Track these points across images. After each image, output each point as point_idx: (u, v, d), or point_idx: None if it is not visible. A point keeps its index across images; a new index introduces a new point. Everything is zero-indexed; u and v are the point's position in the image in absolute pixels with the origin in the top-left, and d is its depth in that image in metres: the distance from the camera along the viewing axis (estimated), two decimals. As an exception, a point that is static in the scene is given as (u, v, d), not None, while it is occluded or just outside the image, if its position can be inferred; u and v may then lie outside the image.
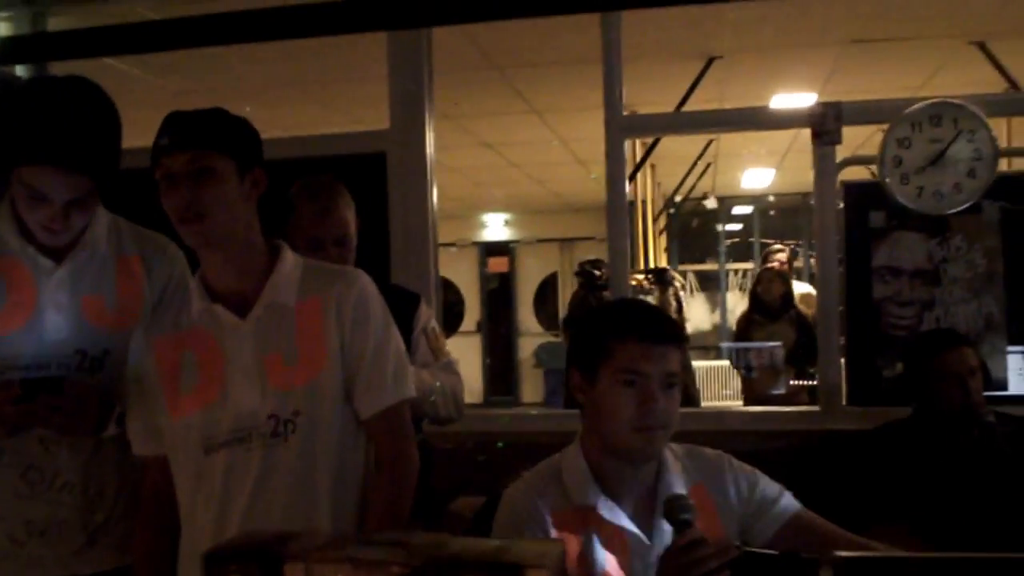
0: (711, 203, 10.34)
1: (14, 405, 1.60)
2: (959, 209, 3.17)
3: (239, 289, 1.69)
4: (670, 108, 5.21)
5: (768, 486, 1.71)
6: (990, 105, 3.20)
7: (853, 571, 1.15)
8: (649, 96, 5.32)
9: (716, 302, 10.79)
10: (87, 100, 1.66)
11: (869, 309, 3.27)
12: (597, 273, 5.10)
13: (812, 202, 3.35)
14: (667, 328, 1.62)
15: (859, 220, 3.30)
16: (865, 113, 3.31)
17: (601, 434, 1.62)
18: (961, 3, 4.51)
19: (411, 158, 3.42)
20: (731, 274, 11.21)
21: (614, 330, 1.61)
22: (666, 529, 1.60)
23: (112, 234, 1.83)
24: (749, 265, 10.98)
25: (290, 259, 1.73)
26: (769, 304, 5.38)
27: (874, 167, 3.72)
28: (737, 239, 11.94)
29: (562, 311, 11.33)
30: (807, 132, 4.36)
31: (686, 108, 5.11)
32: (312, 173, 2.43)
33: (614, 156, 3.36)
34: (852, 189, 3.36)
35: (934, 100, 3.18)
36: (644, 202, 7.63)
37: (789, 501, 1.70)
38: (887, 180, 3.19)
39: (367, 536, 0.93)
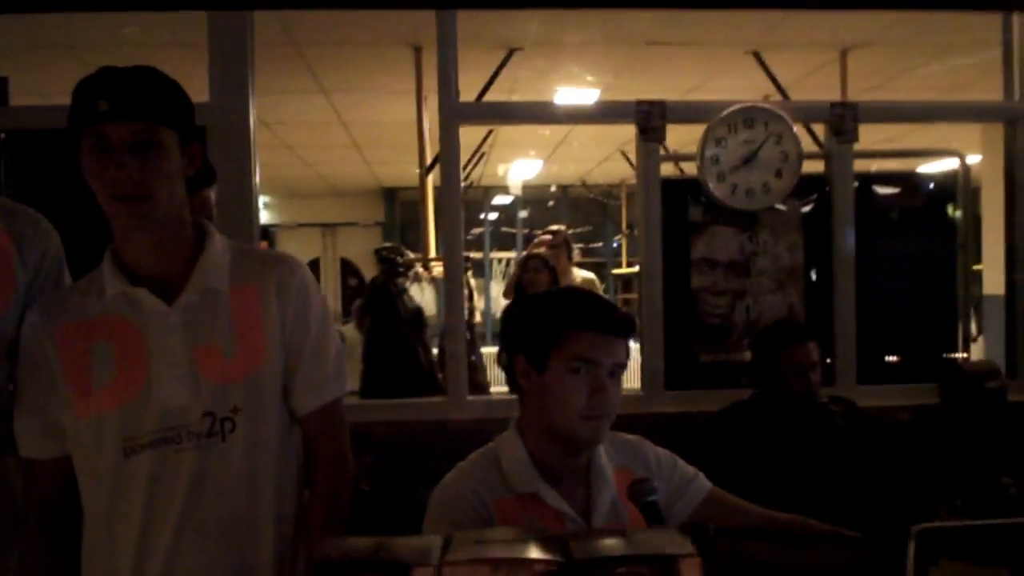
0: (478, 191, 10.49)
1: None
2: (768, 207, 3.44)
3: (163, 272, 1.51)
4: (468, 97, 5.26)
5: (684, 467, 1.77)
6: (797, 111, 3.48)
7: (934, 541, 1.20)
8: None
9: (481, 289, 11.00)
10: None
11: (687, 298, 3.46)
12: (399, 260, 5.04)
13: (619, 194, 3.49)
14: (620, 319, 1.63)
15: (678, 214, 3.48)
16: (686, 112, 3.49)
17: (546, 421, 1.61)
18: (743, 16, 4.86)
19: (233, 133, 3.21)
20: (495, 263, 11.48)
21: (570, 319, 1.59)
22: (602, 512, 1.62)
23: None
24: (512, 254, 11.30)
25: (219, 241, 1.57)
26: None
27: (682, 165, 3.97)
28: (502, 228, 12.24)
29: (331, 299, 11.09)
30: (580, 128, 4.45)
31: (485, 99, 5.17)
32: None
33: (448, 142, 3.32)
34: (670, 185, 3.52)
35: (747, 104, 3.41)
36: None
37: (703, 480, 1.77)
38: (705, 177, 3.39)
39: (494, 535, 0.85)
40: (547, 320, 1.63)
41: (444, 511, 1.58)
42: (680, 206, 3.47)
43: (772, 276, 3.49)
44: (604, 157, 9.54)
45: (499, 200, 11.82)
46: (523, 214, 12.07)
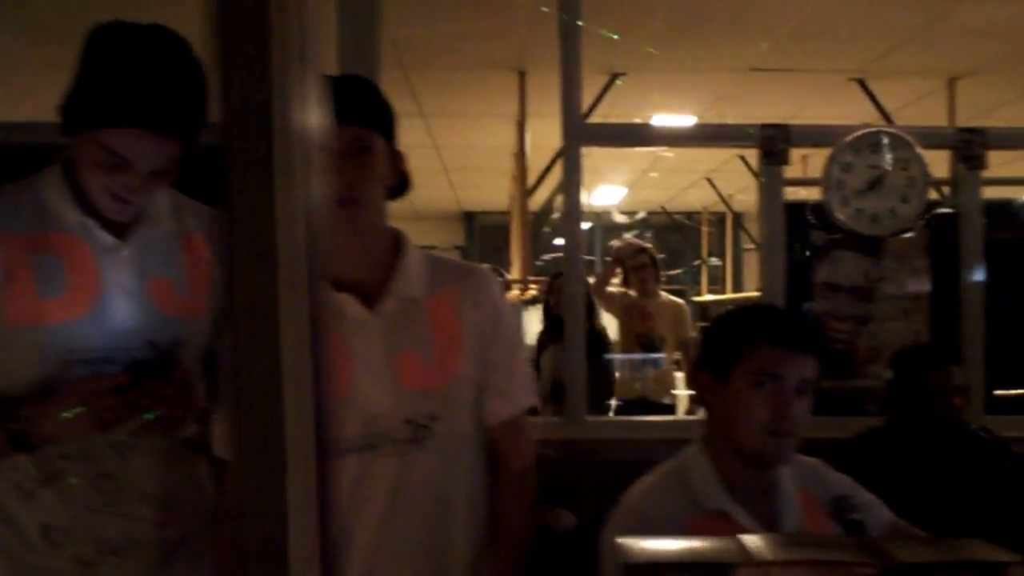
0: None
1: (116, 395, 1.39)
2: (893, 233, 3.39)
3: (364, 279, 1.55)
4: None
5: (864, 492, 1.74)
6: (922, 136, 3.44)
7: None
8: (544, 107, 5.38)
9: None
10: (179, 55, 1.46)
11: (809, 324, 3.43)
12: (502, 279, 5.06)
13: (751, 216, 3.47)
14: (806, 333, 1.63)
15: (800, 238, 3.45)
16: (809, 136, 3.48)
17: (731, 437, 1.60)
18: (851, 44, 4.85)
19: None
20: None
21: (754, 332, 1.59)
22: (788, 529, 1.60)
23: (174, 208, 1.62)
24: (590, 279, 11.26)
25: (414, 249, 1.61)
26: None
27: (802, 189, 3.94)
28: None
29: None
30: (666, 155, 4.36)
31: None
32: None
33: (570, 163, 3.35)
34: (792, 209, 3.50)
35: (874, 129, 3.38)
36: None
37: (885, 507, 1.74)
38: (829, 201, 3.36)
39: (810, 538, 0.86)
40: (732, 333, 1.63)
41: (629, 522, 1.57)
42: (802, 230, 3.45)
43: (897, 303, 3.44)
44: (688, 184, 9.52)
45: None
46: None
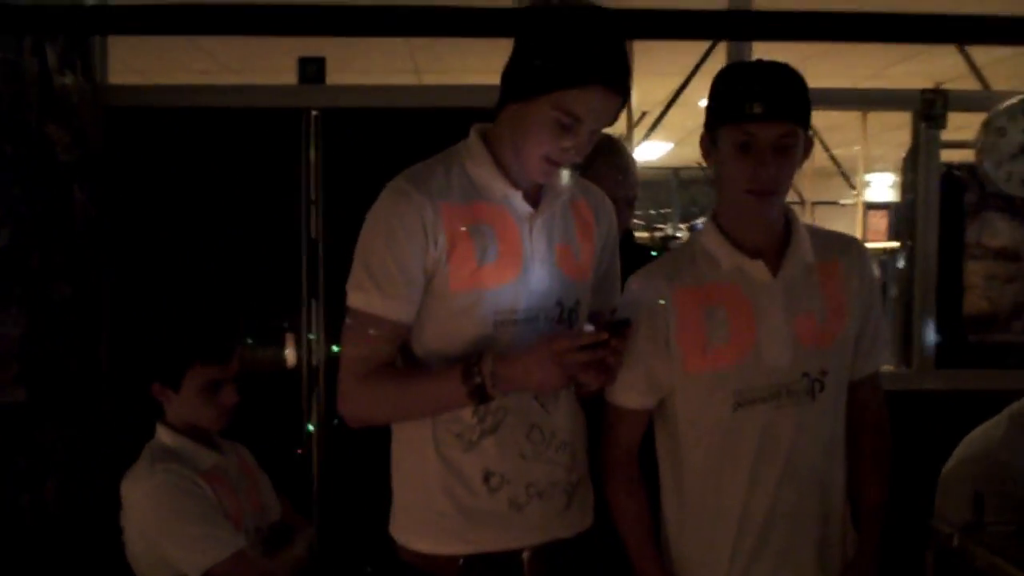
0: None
1: (586, 351, 1.49)
2: (1043, 195, 3.56)
3: (765, 247, 1.70)
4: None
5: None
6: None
7: None
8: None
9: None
10: (607, 12, 1.57)
11: (958, 280, 3.61)
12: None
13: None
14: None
15: (954, 200, 3.62)
16: (967, 101, 3.62)
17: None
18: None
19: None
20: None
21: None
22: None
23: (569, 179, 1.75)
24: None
25: (800, 222, 1.74)
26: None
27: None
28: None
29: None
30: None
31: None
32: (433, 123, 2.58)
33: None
34: (946, 171, 3.65)
35: (1030, 94, 3.53)
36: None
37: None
38: (984, 164, 3.52)
39: None
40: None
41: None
42: (956, 192, 3.61)
43: (1042, 263, 3.63)
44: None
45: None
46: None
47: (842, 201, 9.74)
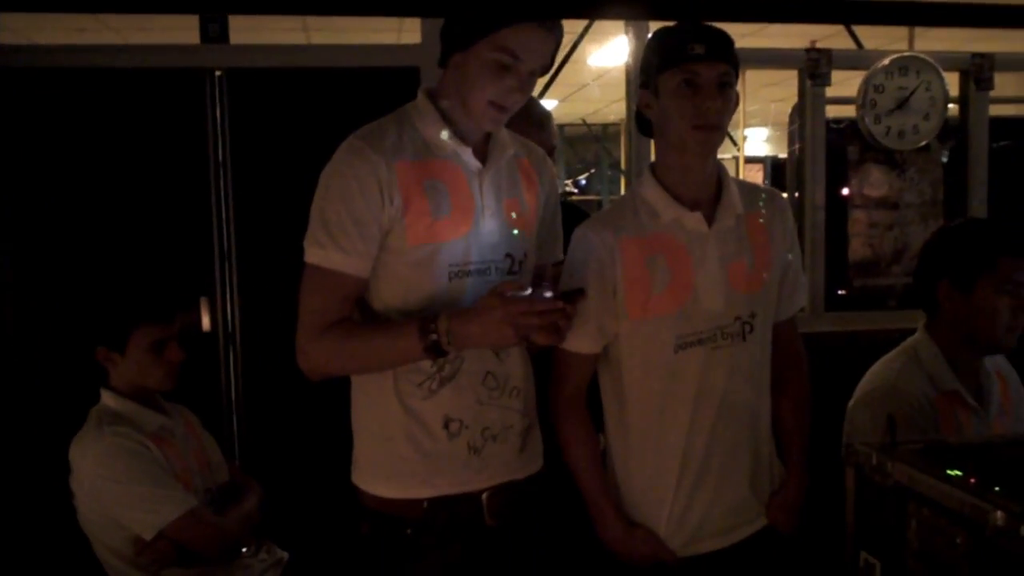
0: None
1: (540, 316, 1.57)
2: (917, 147, 3.83)
3: (699, 198, 1.81)
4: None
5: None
6: (942, 61, 3.86)
7: None
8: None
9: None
10: None
11: (843, 229, 3.86)
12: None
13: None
14: None
15: (837, 153, 3.85)
16: (847, 60, 3.84)
17: (972, 333, 2.00)
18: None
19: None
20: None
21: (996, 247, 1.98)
22: (995, 403, 2.00)
23: (510, 136, 1.84)
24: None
25: (730, 176, 1.86)
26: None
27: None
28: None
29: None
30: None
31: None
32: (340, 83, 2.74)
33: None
34: (829, 126, 3.88)
35: (905, 54, 3.78)
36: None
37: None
38: (864, 119, 3.76)
39: None
40: (977, 246, 1.99)
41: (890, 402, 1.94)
42: (839, 146, 3.84)
43: (916, 210, 3.90)
44: (615, 99, 9.85)
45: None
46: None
47: (721, 156, 10.12)
